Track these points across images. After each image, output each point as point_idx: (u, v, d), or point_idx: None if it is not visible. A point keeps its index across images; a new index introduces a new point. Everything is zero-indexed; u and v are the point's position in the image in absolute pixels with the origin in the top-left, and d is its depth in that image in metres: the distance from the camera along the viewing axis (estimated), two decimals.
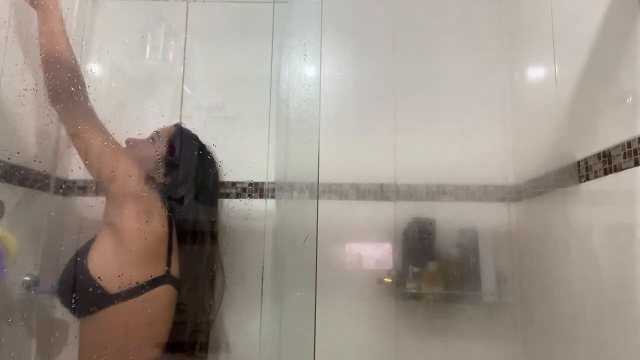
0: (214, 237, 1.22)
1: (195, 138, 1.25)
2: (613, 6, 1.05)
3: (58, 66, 1.07)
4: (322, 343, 0.96)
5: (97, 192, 1.18)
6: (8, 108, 1.28)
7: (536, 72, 1.56)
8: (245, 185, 1.58)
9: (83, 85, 1.09)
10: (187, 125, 1.33)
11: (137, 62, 1.64)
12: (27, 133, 1.38)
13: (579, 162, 1.20)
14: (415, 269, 1.54)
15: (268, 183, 1.50)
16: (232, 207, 1.49)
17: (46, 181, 1.46)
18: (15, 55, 1.29)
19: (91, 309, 1.00)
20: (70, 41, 1.58)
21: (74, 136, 1.08)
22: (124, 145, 1.20)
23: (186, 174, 1.14)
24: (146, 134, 1.39)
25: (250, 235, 1.27)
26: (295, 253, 1.03)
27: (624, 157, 1.00)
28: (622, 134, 1.00)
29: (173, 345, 1.01)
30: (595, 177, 1.12)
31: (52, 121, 1.49)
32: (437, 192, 1.64)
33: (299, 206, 1.11)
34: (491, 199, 1.63)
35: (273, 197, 1.12)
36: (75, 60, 1.10)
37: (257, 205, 1.55)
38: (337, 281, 1.58)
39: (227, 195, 1.54)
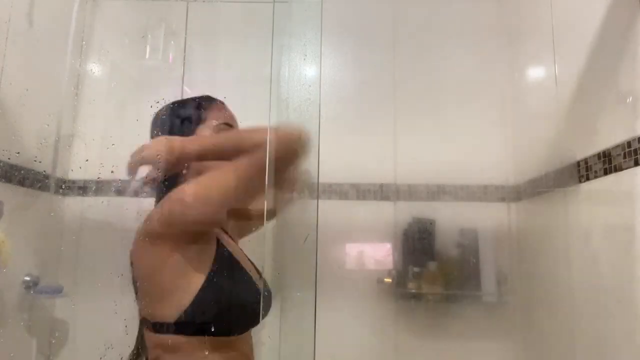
0: None
1: None
2: (613, 6, 1.06)
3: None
4: (322, 343, 0.95)
5: None
6: (8, 108, 1.28)
7: (536, 72, 1.56)
8: None
9: None
10: None
11: (137, 62, 1.64)
12: (27, 133, 1.38)
13: (579, 162, 1.20)
14: (416, 269, 1.54)
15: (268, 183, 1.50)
16: None
17: (46, 181, 1.46)
18: (15, 55, 1.29)
19: None
20: (70, 41, 1.59)
21: None
22: None
23: None
24: (147, 134, 1.38)
25: (250, 235, 1.27)
26: (295, 253, 1.03)
27: (624, 157, 1.00)
28: (622, 134, 1.00)
29: None
30: (595, 177, 1.12)
31: (52, 121, 1.49)
32: (437, 192, 1.64)
33: (299, 206, 1.10)
34: (491, 199, 1.63)
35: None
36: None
37: None
38: (337, 281, 1.58)
39: None
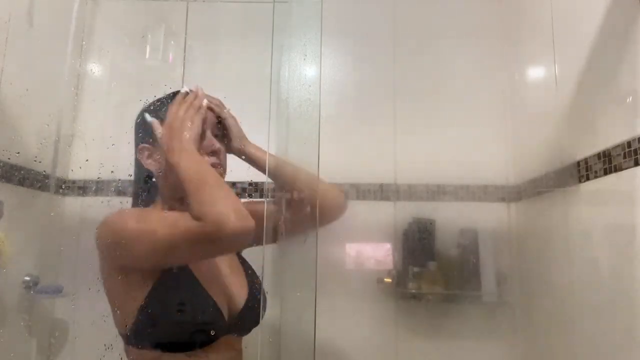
0: None
1: None
2: (613, 6, 1.05)
3: None
4: (322, 343, 0.96)
5: None
6: (8, 108, 1.28)
7: (536, 72, 1.56)
8: (245, 185, 1.58)
9: None
10: None
11: (137, 62, 1.64)
12: (27, 133, 1.38)
13: (579, 162, 1.20)
14: (416, 269, 1.54)
15: (268, 183, 1.50)
16: None
17: (46, 181, 1.46)
18: (15, 55, 1.29)
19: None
20: (70, 41, 1.58)
21: None
22: None
23: None
24: None
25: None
26: (295, 253, 1.03)
27: (624, 157, 1.00)
28: (622, 134, 1.00)
29: None
30: (595, 177, 1.12)
31: (52, 121, 1.49)
32: (437, 192, 1.64)
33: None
34: (491, 199, 1.63)
35: (273, 197, 1.12)
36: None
37: None
38: (337, 281, 1.58)
39: None
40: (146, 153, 0.96)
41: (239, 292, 0.99)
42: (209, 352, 0.91)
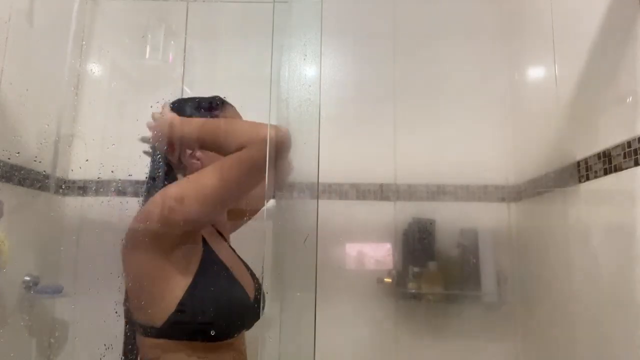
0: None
1: None
2: (613, 6, 1.06)
3: None
4: (322, 343, 0.96)
5: None
6: (8, 108, 1.28)
7: (536, 72, 1.56)
8: None
9: None
10: None
11: (137, 62, 1.64)
12: (27, 133, 1.38)
13: (579, 162, 1.20)
14: (416, 269, 1.54)
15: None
16: None
17: (46, 181, 1.46)
18: (15, 55, 1.29)
19: None
20: (70, 41, 1.58)
21: None
22: None
23: None
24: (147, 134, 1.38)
25: (250, 235, 1.27)
26: (295, 253, 1.03)
27: (624, 157, 1.00)
28: (622, 134, 1.00)
29: None
30: (595, 177, 1.12)
31: (52, 121, 1.49)
32: (437, 192, 1.64)
33: (299, 206, 1.10)
34: (491, 199, 1.63)
35: (273, 197, 1.12)
36: None
37: None
38: (337, 281, 1.58)
39: None
40: None
41: (249, 286, 1.01)
42: (218, 351, 0.93)
